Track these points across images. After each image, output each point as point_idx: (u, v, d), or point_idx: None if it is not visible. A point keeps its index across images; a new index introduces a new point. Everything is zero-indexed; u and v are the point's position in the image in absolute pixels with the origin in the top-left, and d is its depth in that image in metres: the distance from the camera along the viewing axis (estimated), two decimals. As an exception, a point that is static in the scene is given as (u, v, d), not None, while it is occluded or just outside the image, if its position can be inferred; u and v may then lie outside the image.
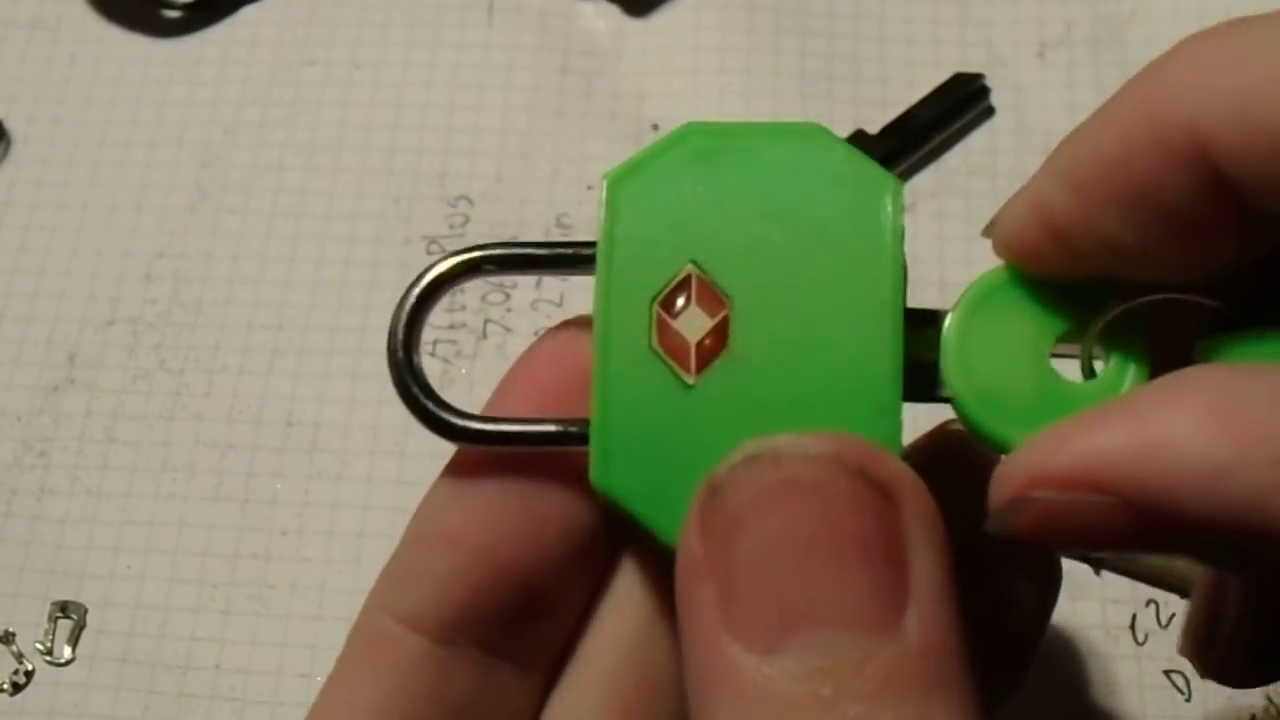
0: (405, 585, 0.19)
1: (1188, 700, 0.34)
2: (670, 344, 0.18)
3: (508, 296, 0.40)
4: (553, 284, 0.40)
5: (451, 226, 0.41)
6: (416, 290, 0.19)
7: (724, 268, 0.18)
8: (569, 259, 0.19)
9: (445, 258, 0.19)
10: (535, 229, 0.41)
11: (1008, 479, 0.16)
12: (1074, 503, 0.15)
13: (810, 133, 0.18)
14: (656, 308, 0.18)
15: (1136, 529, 0.15)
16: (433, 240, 0.41)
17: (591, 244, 0.19)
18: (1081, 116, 0.18)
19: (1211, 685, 0.34)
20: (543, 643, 0.20)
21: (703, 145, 0.18)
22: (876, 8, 0.43)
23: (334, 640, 0.36)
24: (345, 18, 0.45)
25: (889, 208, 0.18)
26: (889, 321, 0.18)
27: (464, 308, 0.40)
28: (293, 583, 0.36)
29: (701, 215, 0.18)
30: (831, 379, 0.18)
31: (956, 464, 0.22)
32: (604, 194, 0.18)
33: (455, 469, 0.20)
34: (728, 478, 0.16)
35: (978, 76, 0.41)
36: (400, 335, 0.19)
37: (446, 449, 0.20)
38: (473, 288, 0.40)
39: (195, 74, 0.44)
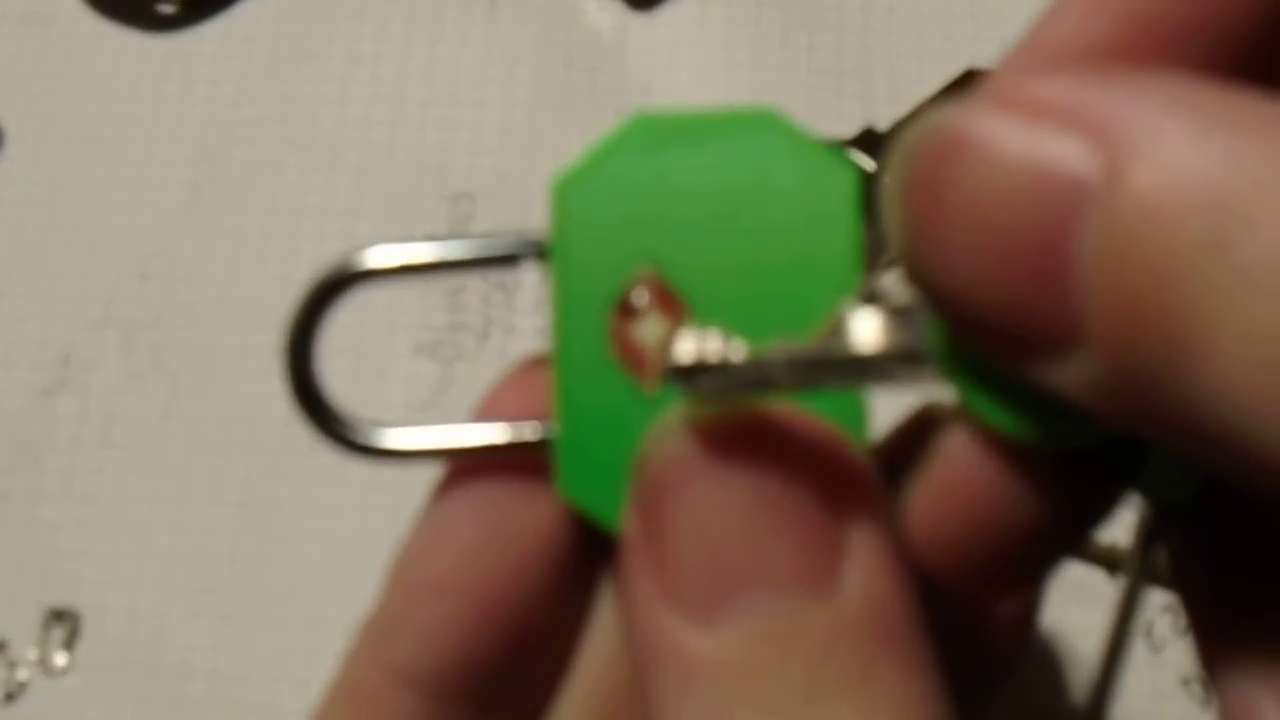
0: (393, 639, 0.19)
1: (1204, 710, 0.33)
2: (629, 353, 0.17)
3: (510, 296, 0.39)
4: (555, 283, 0.39)
5: (453, 224, 0.40)
6: (310, 296, 0.19)
7: (681, 268, 0.17)
8: (486, 260, 0.19)
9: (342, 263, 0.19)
10: (539, 225, 0.40)
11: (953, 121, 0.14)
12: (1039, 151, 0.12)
13: (763, 119, 0.18)
14: (614, 315, 0.18)
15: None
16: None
17: (504, 240, 0.19)
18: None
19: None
20: (535, 686, 0.19)
21: (652, 138, 0.18)
22: (886, 0, 0.43)
23: (332, 645, 0.36)
24: (343, 11, 0.44)
25: (846, 198, 0.17)
26: None
27: (465, 308, 0.39)
28: (290, 587, 0.36)
29: (655, 214, 0.18)
30: None
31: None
32: (553, 198, 0.18)
33: (436, 506, 0.19)
34: (653, 451, 0.16)
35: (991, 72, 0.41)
36: (293, 346, 0.18)
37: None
38: (474, 287, 0.39)
39: (190, 70, 0.43)
